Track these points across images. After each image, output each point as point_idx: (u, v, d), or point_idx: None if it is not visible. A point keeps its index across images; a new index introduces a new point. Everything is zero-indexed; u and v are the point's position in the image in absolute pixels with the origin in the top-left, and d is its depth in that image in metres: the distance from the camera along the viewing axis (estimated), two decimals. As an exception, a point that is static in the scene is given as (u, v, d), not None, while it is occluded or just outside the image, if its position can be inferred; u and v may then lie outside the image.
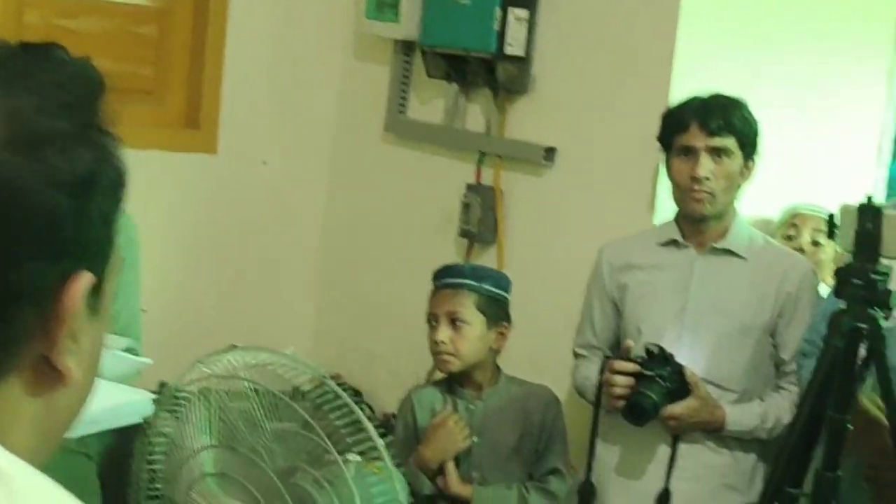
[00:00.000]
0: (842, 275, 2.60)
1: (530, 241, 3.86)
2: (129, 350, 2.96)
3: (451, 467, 3.20)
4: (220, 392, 2.99)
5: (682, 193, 3.08)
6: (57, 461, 0.94)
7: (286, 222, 4.48)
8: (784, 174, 3.54)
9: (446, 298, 3.23)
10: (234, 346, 3.01)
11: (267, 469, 2.91)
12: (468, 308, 3.22)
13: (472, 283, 3.23)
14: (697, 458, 3.07)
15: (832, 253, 3.47)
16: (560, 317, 3.53)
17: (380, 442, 2.94)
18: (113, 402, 2.78)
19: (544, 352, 3.71)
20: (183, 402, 2.93)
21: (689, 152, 3.03)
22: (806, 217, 3.55)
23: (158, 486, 2.96)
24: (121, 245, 0.92)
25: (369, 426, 2.95)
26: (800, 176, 3.64)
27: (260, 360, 2.98)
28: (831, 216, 2.63)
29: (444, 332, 3.20)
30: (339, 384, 2.91)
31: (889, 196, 3.64)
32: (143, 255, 3.12)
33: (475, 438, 3.23)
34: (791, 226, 3.55)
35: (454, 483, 3.19)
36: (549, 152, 3.76)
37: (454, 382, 3.29)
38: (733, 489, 3.08)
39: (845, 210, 2.60)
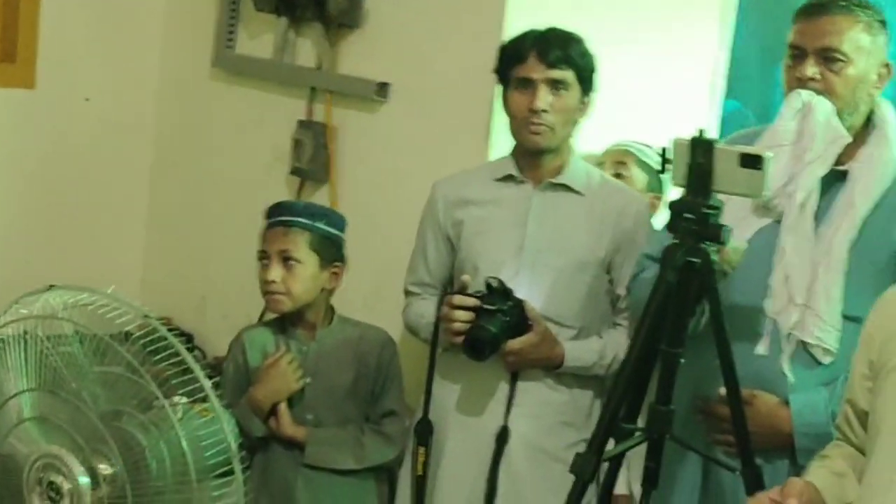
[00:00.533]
0: (674, 209, 2.59)
1: (364, 179, 3.79)
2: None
3: (283, 409, 3.13)
4: (40, 335, 2.88)
5: (519, 126, 3.04)
6: None
7: (112, 161, 4.34)
8: (618, 111, 3.53)
9: (278, 236, 3.15)
10: (52, 286, 2.89)
11: (89, 413, 2.82)
12: (301, 247, 3.14)
13: (305, 222, 3.15)
14: (536, 395, 3.06)
15: (642, 183, 3.47)
16: (395, 256, 3.46)
17: (207, 383, 2.87)
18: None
19: (378, 292, 3.66)
20: None
21: (528, 84, 3.00)
22: (610, 153, 3.52)
23: (-27, 433, 2.84)
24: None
25: (196, 367, 2.87)
26: (633, 113, 3.63)
27: (79, 299, 2.87)
28: (664, 150, 2.61)
29: (275, 272, 3.13)
30: (169, 328, 2.83)
31: (722, 134, 3.66)
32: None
33: (308, 380, 3.17)
34: (599, 164, 3.50)
35: (286, 425, 3.13)
36: (382, 87, 3.69)
37: (286, 323, 3.22)
38: (571, 426, 3.08)
39: (678, 144, 2.58)
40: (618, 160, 3.48)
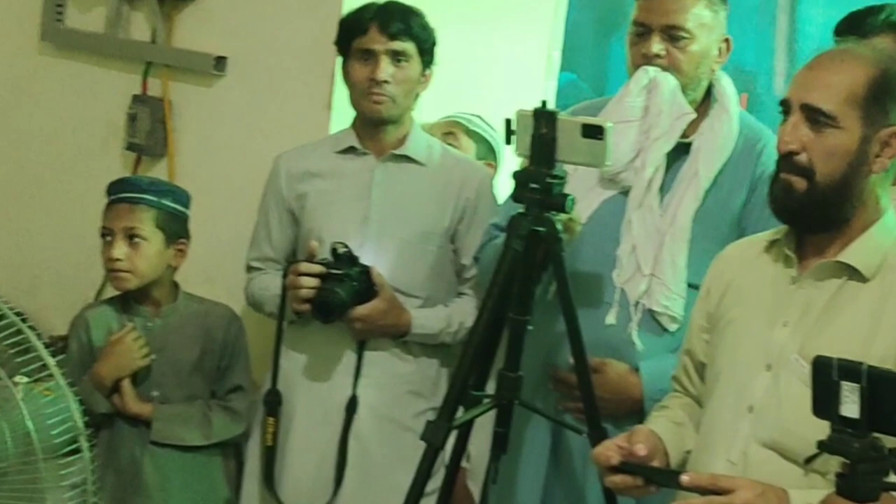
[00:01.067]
0: (519, 179, 2.63)
1: (203, 154, 3.75)
2: None
3: (126, 385, 3.10)
4: None
5: (360, 96, 3.06)
6: None
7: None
8: (454, 84, 3.57)
9: (123, 213, 3.11)
10: None
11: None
12: (147, 224, 3.11)
13: (151, 199, 3.13)
14: (383, 365, 3.08)
15: (472, 152, 3.51)
16: (236, 231, 3.44)
17: (51, 361, 2.83)
18: None
19: (220, 268, 3.63)
20: None
21: (369, 55, 3.02)
22: (437, 125, 3.55)
23: None
24: None
25: (39, 346, 2.83)
26: (472, 86, 3.67)
27: None
28: (508, 121, 2.65)
29: (120, 249, 3.09)
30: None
31: (558, 106, 3.71)
32: None
33: (154, 356, 3.14)
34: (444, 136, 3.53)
35: (131, 401, 3.10)
36: (220, 61, 3.66)
37: (130, 300, 3.19)
38: (419, 395, 3.11)
39: (521, 115, 2.62)
40: (446, 131, 3.51)
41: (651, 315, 2.78)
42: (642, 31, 2.79)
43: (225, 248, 3.58)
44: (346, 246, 2.97)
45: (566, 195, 2.60)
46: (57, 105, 4.06)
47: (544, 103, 2.62)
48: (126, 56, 3.85)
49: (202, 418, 3.15)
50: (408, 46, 3.03)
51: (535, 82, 3.85)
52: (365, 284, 2.98)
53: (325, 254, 2.99)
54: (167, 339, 3.16)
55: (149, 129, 3.77)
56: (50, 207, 4.10)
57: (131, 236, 3.09)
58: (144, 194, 3.12)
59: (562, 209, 2.59)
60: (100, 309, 3.23)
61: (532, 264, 2.62)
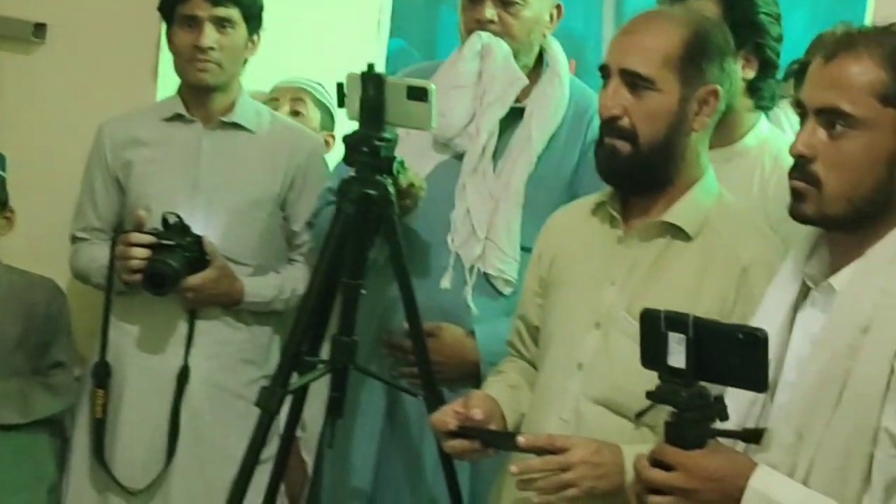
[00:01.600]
0: (349, 142, 2.62)
1: (25, 123, 3.64)
2: None
3: None
4: None
5: (184, 63, 3.01)
6: None
7: None
8: (285, 49, 3.53)
9: None
10: None
11: None
12: None
13: None
14: (215, 334, 3.05)
15: (317, 121, 3.50)
16: (60, 201, 3.35)
17: None
18: None
19: (44, 240, 3.53)
20: None
21: (193, 21, 2.98)
22: (285, 90, 3.54)
23: None
24: None
25: None
26: (300, 51, 3.64)
27: None
28: (340, 86, 2.64)
29: None
30: None
31: (388, 72, 3.71)
32: None
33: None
34: (271, 100, 3.51)
35: None
36: (39, 28, 3.56)
37: None
38: (251, 363, 3.08)
39: (350, 78, 2.61)
40: (295, 97, 3.48)
41: (486, 279, 2.79)
42: None
43: (49, 219, 3.48)
44: (178, 216, 2.92)
45: (394, 158, 2.59)
46: None
47: (371, 66, 2.61)
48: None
49: (19, 395, 3.07)
50: (232, 13, 2.99)
51: (365, 48, 3.82)
52: (197, 254, 2.94)
53: (154, 223, 2.93)
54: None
55: (-34, 98, 3.65)
56: None
57: None
58: None
59: (389, 172, 2.58)
60: None
61: (364, 228, 2.61)
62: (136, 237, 2.91)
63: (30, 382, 3.10)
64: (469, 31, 2.80)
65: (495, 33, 2.77)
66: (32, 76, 3.61)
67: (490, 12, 2.77)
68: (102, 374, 3.03)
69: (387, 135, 2.60)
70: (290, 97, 3.50)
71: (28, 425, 3.09)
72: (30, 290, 3.14)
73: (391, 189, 2.60)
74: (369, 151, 2.58)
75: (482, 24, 2.78)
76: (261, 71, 3.31)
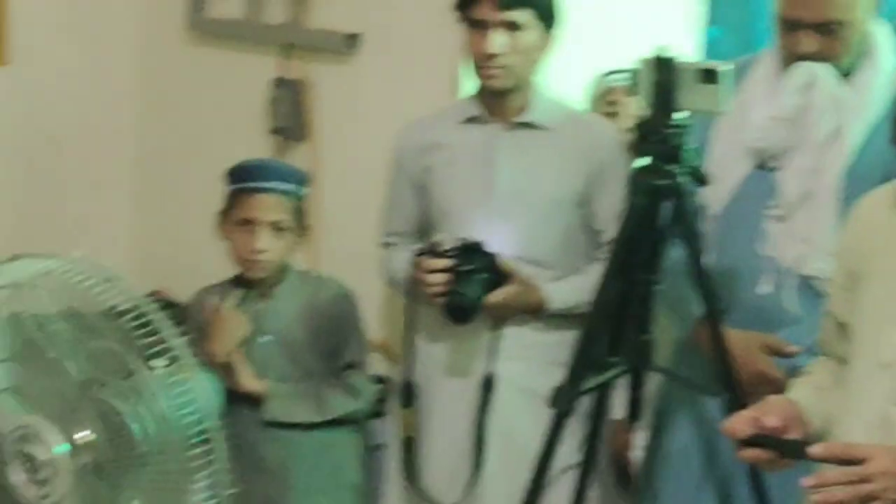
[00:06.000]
0: (641, 130, 2.52)
1: (343, 133, 3.74)
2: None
3: (237, 360, 3.08)
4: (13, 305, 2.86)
5: (476, 68, 2.97)
6: None
7: (94, 134, 4.27)
8: (596, 42, 3.45)
9: (269, 205, 3.10)
10: (16, 256, 2.85)
11: (66, 382, 2.79)
12: (289, 215, 3.12)
13: (289, 188, 3.13)
14: (521, 338, 2.98)
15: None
16: (377, 210, 3.40)
17: (179, 345, 2.83)
18: None
19: (361, 252, 3.59)
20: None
21: (481, 26, 2.91)
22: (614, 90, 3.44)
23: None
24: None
25: (172, 331, 2.83)
26: (614, 43, 3.55)
27: (46, 266, 2.83)
28: (635, 72, 2.56)
29: (266, 240, 3.09)
30: (161, 300, 2.79)
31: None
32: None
33: (271, 337, 3.12)
34: (608, 103, 3.42)
35: (245, 377, 3.08)
36: (352, 38, 3.63)
37: (241, 281, 3.18)
38: (562, 365, 2.96)
39: (644, 63, 2.53)
40: (611, 100, 3.39)
41: (804, 280, 2.65)
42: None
43: (366, 230, 3.54)
44: (471, 240, 2.89)
45: (681, 145, 2.47)
46: (206, 93, 4.11)
47: (663, 49, 2.51)
48: (263, 40, 3.86)
49: (313, 395, 3.11)
50: (521, 15, 2.89)
51: (678, 37, 3.69)
52: (494, 274, 2.89)
53: (450, 230, 2.93)
54: (278, 320, 3.14)
55: (289, 111, 3.78)
56: (206, 197, 4.14)
57: (278, 228, 3.10)
58: (285, 182, 3.12)
59: (677, 161, 2.47)
60: (213, 289, 3.23)
61: (656, 221, 2.50)
62: (433, 264, 2.90)
63: (323, 384, 3.13)
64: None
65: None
66: (346, 87, 3.69)
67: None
68: (409, 395, 3.04)
69: (678, 121, 2.49)
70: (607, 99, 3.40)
71: (331, 427, 3.12)
72: (317, 293, 3.19)
73: (681, 179, 2.47)
74: (659, 140, 2.48)
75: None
76: (573, 65, 3.24)
